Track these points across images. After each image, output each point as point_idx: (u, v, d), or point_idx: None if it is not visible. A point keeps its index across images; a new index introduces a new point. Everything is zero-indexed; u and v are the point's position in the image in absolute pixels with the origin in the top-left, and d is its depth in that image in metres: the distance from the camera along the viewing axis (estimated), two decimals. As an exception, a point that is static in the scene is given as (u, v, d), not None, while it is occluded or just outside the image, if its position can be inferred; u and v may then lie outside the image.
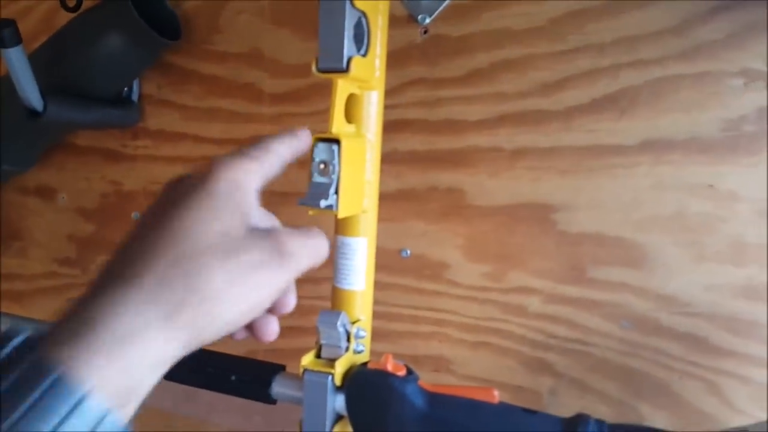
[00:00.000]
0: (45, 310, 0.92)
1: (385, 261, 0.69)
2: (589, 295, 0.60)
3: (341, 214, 0.45)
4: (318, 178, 0.44)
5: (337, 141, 0.44)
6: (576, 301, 0.61)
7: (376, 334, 0.70)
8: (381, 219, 0.69)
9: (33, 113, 0.66)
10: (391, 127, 0.65)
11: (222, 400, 0.80)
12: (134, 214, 0.84)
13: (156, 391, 0.85)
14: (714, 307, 0.56)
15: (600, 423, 0.42)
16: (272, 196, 0.77)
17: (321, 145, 0.44)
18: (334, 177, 0.44)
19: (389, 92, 0.65)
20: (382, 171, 0.64)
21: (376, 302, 0.70)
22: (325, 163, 0.44)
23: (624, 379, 0.60)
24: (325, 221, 0.72)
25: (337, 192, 0.44)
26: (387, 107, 0.64)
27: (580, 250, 0.60)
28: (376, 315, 0.70)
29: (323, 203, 0.43)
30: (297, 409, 0.50)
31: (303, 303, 0.76)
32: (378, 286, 0.70)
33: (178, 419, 0.83)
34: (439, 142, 0.64)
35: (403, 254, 0.68)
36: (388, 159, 0.66)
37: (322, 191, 0.44)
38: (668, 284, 0.57)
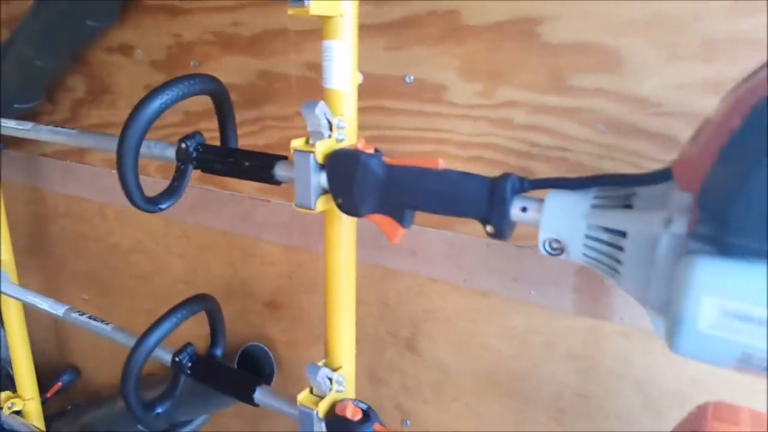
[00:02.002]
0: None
1: (392, 88, 0.76)
2: (568, 103, 0.64)
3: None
4: (290, -24, 0.52)
5: (304, -59, 0.51)
6: (556, 110, 0.65)
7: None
8: (387, 48, 0.75)
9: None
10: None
11: (269, 219, 0.95)
12: (193, 63, 0.96)
13: (218, 215, 1.04)
14: (684, 105, 0.58)
15: (521, 178, 0.48)
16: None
17: (290, -54, 0.51)
18: (304, -26, 0.51)
19: None
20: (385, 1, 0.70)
21: (385, 127, 0.78)
22: (295, -38, 0.52)
23: (599, 183, 0.65)
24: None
25: (307, -11, 0.52)
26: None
27: (561, 61, 0.63)
28: (384, 139, 0.78)
29: (292, -5, 0.51)
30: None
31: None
32: (386, 112, 0.78)
33: (236, 237, 0.99)
34: (435, -35, 0.68)
35: (407, 80, 0.74)
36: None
37: (292, -14, 0.52)
38: (642, 87, 0.60)
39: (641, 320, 0.67)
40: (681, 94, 0.58)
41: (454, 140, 0.73)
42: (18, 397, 1.22)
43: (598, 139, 0.63)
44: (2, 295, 1.09)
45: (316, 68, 0.82)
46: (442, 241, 0.77)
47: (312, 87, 0.84)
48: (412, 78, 0.74)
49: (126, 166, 0.62)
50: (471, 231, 0.75)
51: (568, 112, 0.64)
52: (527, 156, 0.68)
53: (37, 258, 1.36)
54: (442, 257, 0.78)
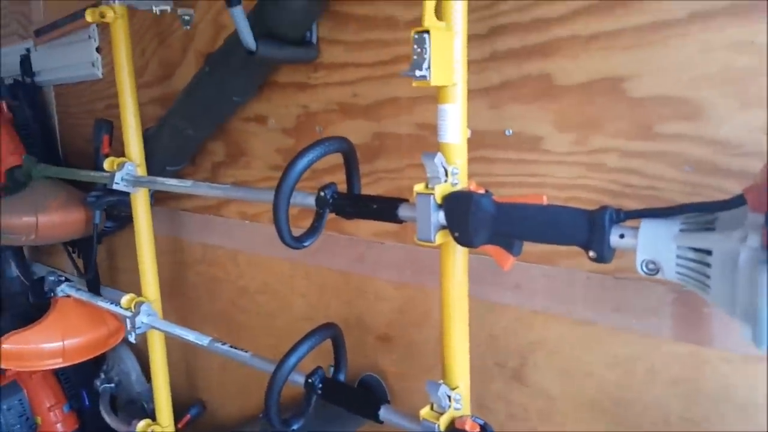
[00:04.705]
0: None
1: (493, 141, 0.87)
2: (655, 147, 0.72)
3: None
4: (416, 57, 0.66)
5: (427, 32, 0.65)
6: (645, 154, 0.73)
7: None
8: (490, 107, 0.88)
9: (250, 52, 0.98)
10: (490, 32, 0.83)
11: (383, 259, 1.07)
12: (318, 128, 1.13)
13: (336, 257, 1.22)
14: (762, 146, 0.65)
15: (618, 210, 0.57)
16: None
17: (417, 36, 0.65)
18: (426, 56, 0.65)
19: (486, 4, 0.82)
20: (486, 68, 0.83)
21: (486, 174, 0.89)
22: (420, 47, 0.65)
23: (689, 217, 0.71)
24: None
25: (429, 66, 0.65)
26: (485, 18, 0.82)
27: (646, 111, 0.72)
28: (486, 185, 0.89)
29: (418, 73, 0.65)
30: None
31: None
32: (487, 161, 0.90)
33: (352, 276, 1.12)
34: (529, 39, 0.80)
35: (507, 133, 0.86)
36: (490, 58, 0.84)
37: (418, 65, 0.65)
38: (720, 131, 0.67)
39: (742, 346, 0.71)
40: (757, 135, 0.65)
41: (552, 183, 0.83)
42: (157, 424, 1.38)
43: (686, 178, 0.71)
44: (150, 330, 1.27)
45: (425, 127, 0.96)
46: (544, 275, 0.86)
47: (421, 143, 0.97)
48: (511, 131, 0.85)
49: (280, 211, 0.77)
50: (571, 264, 0.83)
51: (656, 156, 0.73)
52: (621, 195, 0.76)
53: (174, 300, 1.56)
54: (545, 290, 0.86)
